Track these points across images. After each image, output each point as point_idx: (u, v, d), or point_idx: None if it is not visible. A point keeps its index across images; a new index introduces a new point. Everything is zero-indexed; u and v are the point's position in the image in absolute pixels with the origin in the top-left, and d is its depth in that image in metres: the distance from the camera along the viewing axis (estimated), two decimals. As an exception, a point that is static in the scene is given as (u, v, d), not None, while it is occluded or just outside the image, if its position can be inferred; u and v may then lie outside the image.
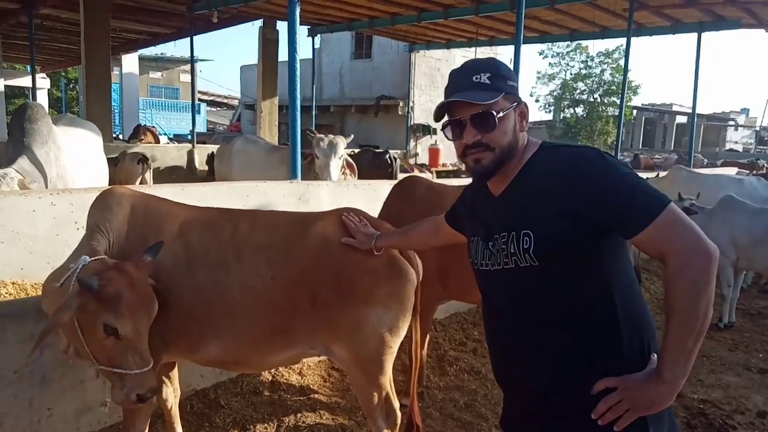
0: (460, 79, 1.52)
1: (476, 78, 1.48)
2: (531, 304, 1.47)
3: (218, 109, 34.34)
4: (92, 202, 2.42)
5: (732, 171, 10.91)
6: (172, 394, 2.80)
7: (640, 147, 33.16)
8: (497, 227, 1.53)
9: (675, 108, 35.89)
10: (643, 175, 6.77)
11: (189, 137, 12.47)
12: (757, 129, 43.03)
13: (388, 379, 2.51)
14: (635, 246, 1.41)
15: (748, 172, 10.60)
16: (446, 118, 1.55)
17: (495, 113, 1.46)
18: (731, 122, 42.58)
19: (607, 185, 1.36)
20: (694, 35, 10.24)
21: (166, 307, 2.22)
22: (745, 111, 47.51)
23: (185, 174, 10.62)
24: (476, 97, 1.46)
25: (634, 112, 30.57)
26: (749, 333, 5.29)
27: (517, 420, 1.64)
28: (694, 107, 11.18)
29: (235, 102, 29.43)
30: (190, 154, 11.16)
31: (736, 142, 41.98)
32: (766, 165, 14.45)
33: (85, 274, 1.99)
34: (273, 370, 3.59)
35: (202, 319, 2.33)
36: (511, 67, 6.81)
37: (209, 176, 9.04)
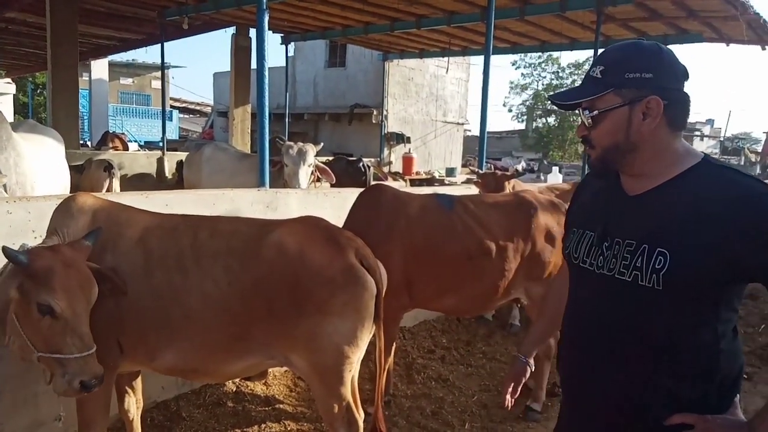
0: (587, 72, 1.44)
1: (593, 71, 1.39)
2: (633, 323, 1.36)
3: (191, 116, 33.90)
4: (55, 208, 2.41)
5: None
6: (134, 405, 2.75)
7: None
8: (623, 231, 1.38)
9: (643, 118, 36.62)
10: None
11: (160, 144, 12.27)
12: (722, 139, 44.29)
13: (348, 390, 2.50)
14: None
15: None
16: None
17: (589, 111, 1.38)
18: (697, 132, 43.72)
19: None
20: (659, 48, 10.54)
21: (120, 300, 2.21)
22: (710, 122, 48.86)
23: (154, 182, 10.45)
24: (570, 95, 1.42)
25: (604, 122, 31.07)
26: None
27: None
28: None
29: (208, 109, 29.13)
30: (160, 161, 10.98)
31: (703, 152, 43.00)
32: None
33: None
34: (237, 381, 3.54)
35: (159, 324, 2.32)
36: (481, 79, 6.91)
37: (179, 184, 8.91)
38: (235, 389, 3.55)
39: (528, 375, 1.83)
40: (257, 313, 2.31)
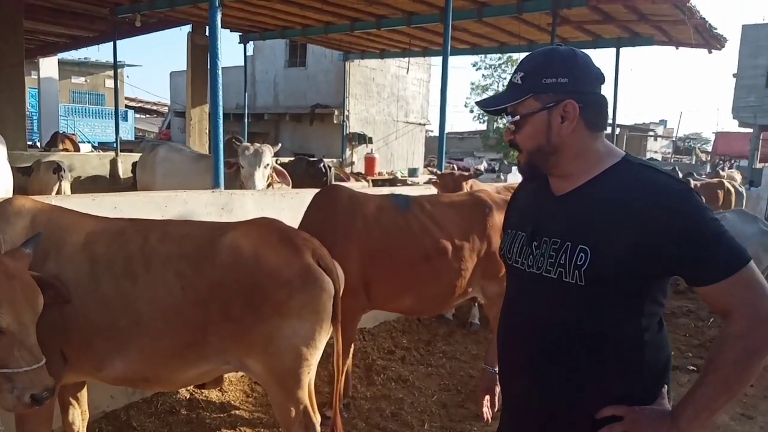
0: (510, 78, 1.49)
1: (514, 77, 1.44)
2: (561, 318, 1.40)
3: (147, 116, 33.09)
4: None
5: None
6: (79, 417, 2.64)
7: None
8: (550, 230, 1.43)
9: (600, 119, 37.60)
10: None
11: (114, 145, 11.90)
12: (674, 139, 45.90)
13: (305, 393, 2.46)
14: (698, 294, 1.34)
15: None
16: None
17: (511, 115, 1.44)
18: (651, 133, 45.20)
19: (694, 229, 1.26)
20: (613, 50, 10.83)
21: (64, 309, 2.12)
22: (663, 122, 50.59)
23: (108, 184, 10.11)
24: (495, 100, 1.46)
25: (562, 122, 31.80)
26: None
27: (517, 429, 1.57)
28: (614, 118, 11.76)
29: (165, 109, 28.48)
30: (114, 162, 10.65)
31: (656, 152, 44.58)
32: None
33: None
34: (191, 388, 3.44)
35: (107, 333, 2.22)
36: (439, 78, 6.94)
37: (133, 186, 8.65)
38: (188, 396, 3.46)
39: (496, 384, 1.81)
40: (212, 318, 2.25)
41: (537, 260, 1.44)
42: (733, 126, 33.62)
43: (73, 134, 16.68)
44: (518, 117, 1.42)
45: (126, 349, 2.25)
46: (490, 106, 1.49)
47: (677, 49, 10.59)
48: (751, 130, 30.35)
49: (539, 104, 1.39)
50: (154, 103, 31.88)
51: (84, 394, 2.63)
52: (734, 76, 29.90)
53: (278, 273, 2.29)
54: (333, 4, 9.52)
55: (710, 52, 10.22)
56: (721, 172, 14.82)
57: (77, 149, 13.70)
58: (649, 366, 1.39)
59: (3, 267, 1.89)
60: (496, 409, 1.84)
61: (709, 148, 41.30)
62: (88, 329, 2.20)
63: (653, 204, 1.28)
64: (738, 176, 13.73)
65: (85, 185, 9.49)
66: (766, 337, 1.23)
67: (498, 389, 1.80)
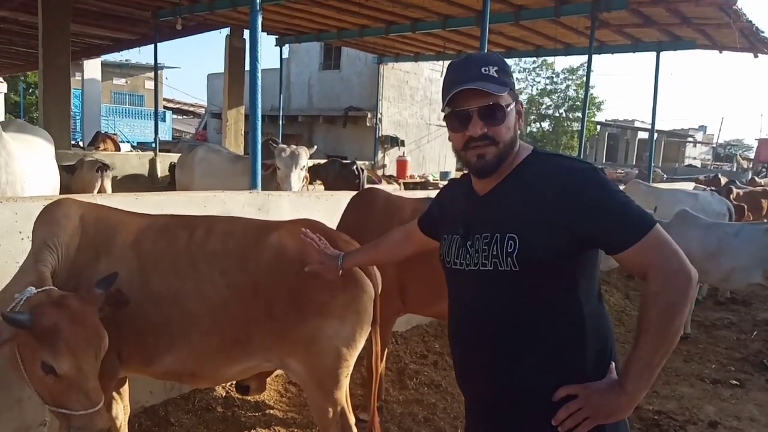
0: (465, 70, 1.48)
1: (485, 70, 1.45)
2: (504, 307, 1.47)
3: (184, 117, 33.79)
4: (38, 216, 2.32)
5: (689, 186, 11.24)
6: (122, 411, 2.71)
7: (604, 161, 33.96)
8: (479, 227, 1.51)
9: (637, 124, 36.92)
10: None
11: (153, 145, 12.20)
12: (714, 145, 44.61)
13: (344, 394, 2.47)
14: (617, 262, 1.43)
15: (704, 187, 10.93)
16: (447, 109, 1.52)
17: (504, 106, 1.47)
18: (690, 139, 44.03)
19: (599, 201, 1.38)
20: (653, 54, 10.58)
21: (122, 321, 2.16)
22: (702, 128, 49.22)
23: (146, 183, 10.38)
24: (490, 88, 1.44)
25: (598, 127, 31.38)
26: (703, 344, 5.41)
27: (479, 427, 1.63)
28: (653, 123, 11.50)
29: (202, 110, 29.03)
30: (152, 162, 10.92)
31: (695, 158, 43.43)
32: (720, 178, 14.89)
33: (27, 307, 1.88)
34: (227, 385, 3.49)
35: (158, 329, 2.27)
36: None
37: (171, 186, 8.85)
38: (224, 394, 3.51)
39: (335, 274, 2.09)
40: (256, 316, 2.28)
41: (473, 258, 1.50)
42: (777, 132, 32.42)
43: (114, 134, 17.16)
44: (510, 107, 1.48)
45: (175, 345, 2.29)
46: (490, 90, 1.44)
47: (721, 53, 10.31)
48: (797, 137, 29.24)
49: (511, 98, 1.49)
50: (192, 105, 32.54)
51: (126, 389, 2.69)
52: (780, 80, 28.86)
53: (321, 274, 2.31)
54: (369, 8, 9.57)
55: (756, 56, 9.92)
56: (757, 179, 14.34)
57: (118, 148, 14.09)
58: (593, 339, 1.46)
59: (69, 312, 1.89)
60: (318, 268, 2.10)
61: (752, 155, 39.98)
62: (139, 326, 2.25)
63: (563, 184, 1.40)
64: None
65: (124, 184, 9.75)
66: (681, 289, 1.34)
67: (330, 271, 2.08)
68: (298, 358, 2.35)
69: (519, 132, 1.54)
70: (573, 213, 1.38)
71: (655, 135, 13.00)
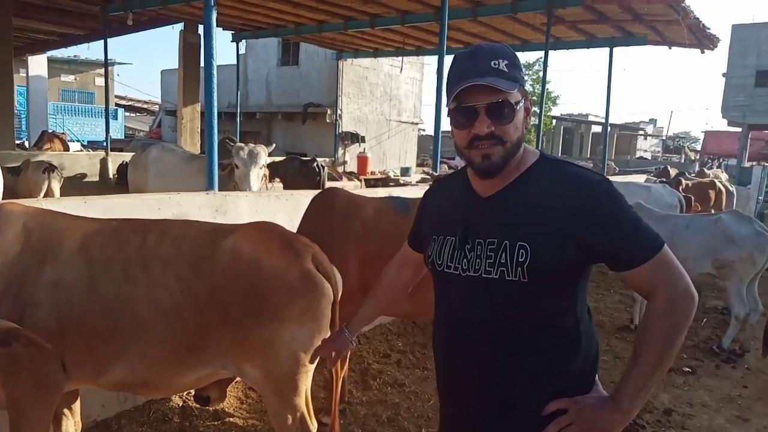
0: (473, 63, 1.37)
1: (495, 63, 1.35)
2: (504, 317, 1.41)
3: (137, 114, 32.84)
4: None
5: (641, 178, 11.58)
6: (72, 427, 2.59)
7: (560, 155, 34.73)
8: (483, 231, 1.42)
9: (591, 118, 37.89)
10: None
11: (104, 144, 11.78)
12: (664, 138, 46.21)
13: (303, 400, 2.43)
14: (622, 278, 1.42)
15: (656, 179, 11.27)
16: (453, 105, 1.40)
17: (514, 104, 1.37)
18: (641, 132, 45.47)
19: (614, 216, 1.35)
20: (607, 50, 10.85)
21: (62, 316, 2.08)
22: (653, 121, 50.96)
23: (98, 184, 10.02)
24: (500, 84, 1.34)
25: (554, 121, 32.04)
26: (658, 333, 5.57)
27: None
28: (606, 117, 11.81)
29: (156, 107, 28.27)
30: (104, 162, 10.56)
31: (646, 151, 44.88)
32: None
33: None
34: (184, 394, 3.38)
35: (108, 338, 2.18)
36: (436, 78, 6.90)
37: (123, 186, 8.56)
38: (181, 404, 3.40)
39: (349, 350, 1.93)
40: (212, 321, 2.22)
41: (472, 263, 1.42)
42: (722, 125, 33.88)
43: (62, 133, 16.52)
44: (519, 105, 1.39)
45: (126, 354, 2.21)
46: (497, 86, 1.34)
47: (670, 48, 10.65)
48: (740, 130, 30.60)
49: (520, 96, 1.40)
50: (145, 102, 31.65)
51: (77, 404, 2.58)
52: (724, 75, 30.11)
53: (278, 277, 2.26)
54: (327, 3, 9.47)
55: (703, 52, 10.28)
56: (706, 171, 14.88)
57: (66, 148, 13.56)
58: (586, 354, 1.44)
59: None
60: (335, 364, 1.92)
61: (699, 147, 41.62)
62: (88, 334, 2.16)
63: (577, 195, 1.35)
64: (723, 175, 13.80)
65: (74, 185, 9.38)
66: (687, 311, 1.33)
67: (345, 353, 1.91)
68: (255, 364, 2.29)
69: (526, 130, 1.45)
70: (587, 226, 1.33)
71: (609, 129, 13.36)
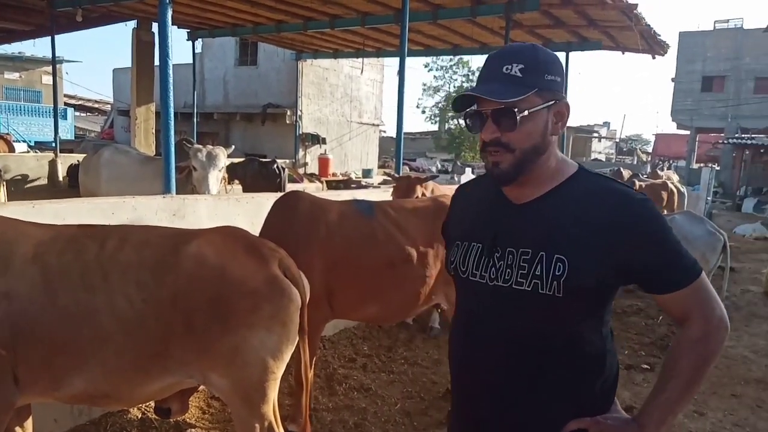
0: (488, 67, 1.35)
1: (507, 69, 1.31)
2: (532, 332, 1.35)
3: (88, 114, 31.74)
4: None
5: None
6: (25, 445, 2.43)
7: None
8: (515, 240, 1.36)
9: (547, 121, 38.66)
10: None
11: (53, 145, 11.29)
12: (617, 140, 47.71)
13: (271, 408, 2.38)
14: (656, 300, 1.38)
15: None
16: (474, 106, 1.37)
17: (518, 111, 1.30)
18: (595, 134, 46.79)
19: (655, 237, 1.31)
20: (563, 54, 11.10)
21: (15, 327, 1.98)
22: (606, 124, 52.54)
23: (46, 187, 9.59)
24: (498, 93, 1.29)
25: (512, 124, 32.52)
26: (616, 331, 5.64)
27: None
28: (563, 121, 12.05)
29: (108, 107, 27.37)
30: (52, 164, 10.11)
31: (600, 153, 46.25)
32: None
33: None
34: (143, 406, 3.25)
35: (66, 349, 2.08)
36: (397, 80, 6.89)
37: (74, 189, 8.21)
38: (140, 416, 3.26)
39: None
40: (176, 329, 2.15)
41: (502, 272, 1.36)
42: (671, 128, 35.25)
43: (7, 134, 15.74)
44: (526, 112, 1.31)
45: (86, 365, 2.12)
46: (494, 97, 1.31)
47: (624, 54, 10.95)
48: (688, 132, 31.90)
49: (541, 101, 1.32)
50: (96, 101, 30.60)
51: (29, 421, 2.43)
52: (673, 80, 31.33)
53: (244, 283, 2.21)
54: (286, 3, 9.34)
55: (654, 58, 10.62)
56: (659, 172, 15.42)
57: (12, 150, 12.93)
58: (608, 371, 1.41)
59: None
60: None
61: (650, 149, 43.14)
62: (45, 346, 2.06)
63: (622, 214, 1.30)
64: (675, 176, 14.33)
65: (20, 189, 8.96)
66: (720, 339, 1.32)
67: None
68: (222, 372, 2.23)
69: (554, 137, 1.37)
70: (627, 245, 1.28)
71: (565, 131, 13.67)
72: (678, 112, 31.02)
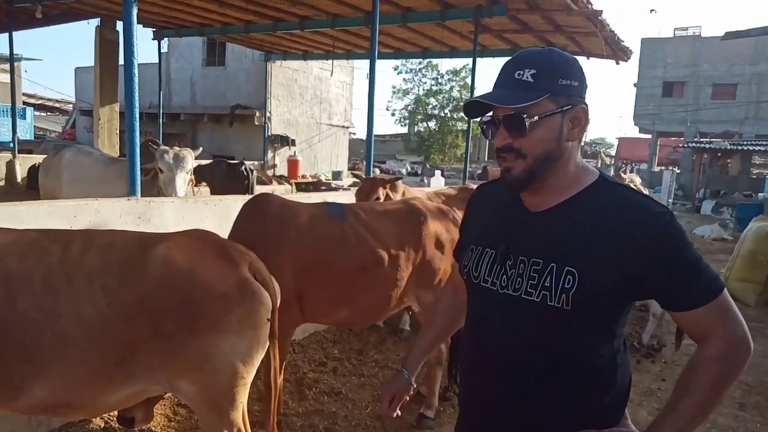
0: (502, 73, 1.32)
1: (519, 74, 1.28)
2: (540, 344, 1.33)
3: (49, 114, 30.78)
4: None
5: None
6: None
7: (486, 159, 35.79)
8: (528, 249, 1.33)
9: (515, 124, 39.22)
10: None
11: (11, 145, 10.92)
12: (582, 144, 48.72)
13: (240, 414, 2.34)
14: (674, 318, 1.33)
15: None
16: (490, 113, 1.36)
17: (527, 117, 1.27)
18: (561, 138, 47.63)
19: (677, 253, 1.25)
20: (530, 59, 11.29)
21: None
22: (571, 128, 53.56)
23: (4, 189, 9.27)
24: (506, 98, 1.28)
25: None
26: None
27: None
28: (531, 124, 12.24)
29: (69, 107, 26.60)
30: (10, 165, 9.78)
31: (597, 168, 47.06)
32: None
33: None
34: (106, 415, 3.16)
35: (26, 357, 2.01)
36: (367, 82, 6.89)
37: (33, 192, 7.95)
38: (102, 425, 3.16)
39: (411, 393, 1.75)
40: (143, 335, 2.10)
41: (513, 281, 1.34)
42: (634, 132, 36.18)
43: (-39, 133, 15.16)
44: (536, 118, 1.28)
45: (47, 373, 2.05)
46: (502, 104, 1.29)
47: (588, 59, 11.18)
48: (650, 136, 32.81)
49: (554, 106, 1.29)
50: (57, 101, 29.68)
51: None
52: (635, 85, 32.19)
53: (214, 287, 2.17)
54: (255, 3, 9.24)
55: (618, 63, 10.88)
56: (622, 175, 15.81)
57: (-33, 150, 12.46)
58: (619, 386, 1.37)
59: None
60: (396, 414, 1.75)
61: (613, 153, 44.17)
62: (3, 354, 1.99)
63: (639, 227, 1.25)
64: (637, 179, 14.72)
65: (-24, 190, 8.62)
66: (741, 360, 1.26)
67: (406, 397, 1.73)
68: (190, 379, 2.18)
69: (571, 143, 1.33)
70: (642, 260, 1.23)
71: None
72: (640, 116, 31.89)
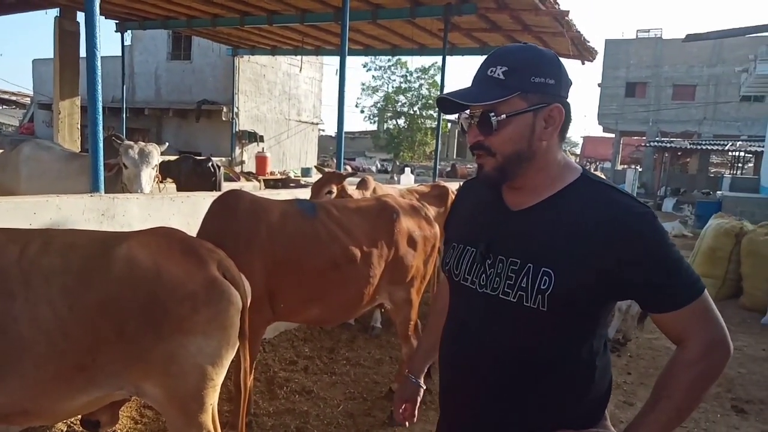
0: (479, 70, 1.30)
1: (491, 71, 1.26)
2: (518, 344, 1.32)
3: (5, 107, 29.69)
4: None
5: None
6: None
7: (455, 157, 36.09)
8: (507, 248, 1.32)
9: (483, 122, 39.65)
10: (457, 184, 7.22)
11: (-36, 140, 10.47)
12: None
13: (209, 417, 2.27)
14: (653, 320, 1.29)
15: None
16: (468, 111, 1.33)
17: (494, 115, 1.26)
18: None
19: (656, 254, 1.22)
20: (498, 57, 11.40)
21: None
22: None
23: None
24: (473, 96, 1.26)
25: (449, 125, 33.19)
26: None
27: None
28: (499, 122, 12.37)
29: (27, 100, 25.70)
30: (-35, 160, 9.35)
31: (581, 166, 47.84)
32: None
33: None
34: (69, 420, 3.05)
35: None
36: (337, 78, 6.84)
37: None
38: (65, 429, 3.06)
39: (421, 395, 1.75)
40: (105, 337, 2.02)
41: (491, 280, 1.33)
42: (598, 131, 36.98)
43: None
44: (503, 116, 1.27)
45: (2, 379, 1.95)
46: (467, 101, 1.28)
47: (555, 59, 11.36)
48: (613, 135, 33.58)
49: (525, 104, 1.27)
50: (14, 93, 28.63)
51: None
52: (599, 85, 32.89)
53: (181, 286, 2.09)
54: (222, -4, 9.08)
55: (583, 63, 11.08)
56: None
57: None
58: (598, 387, 1.36)
59: None
60: (415, 420, 1.76)
61: (578, 151, 45.07)
62: None
63: (618, 227, 1.22)
64: (602, 176, 15.08)
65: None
66: (720, 362, 1.25)
67: (419, 399, 1.75)
68: (156, 382, 2.11)
69: (545, 142, 1.30)
70: (624, 261, 1.21)
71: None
72: (604, 116, 32.61)
